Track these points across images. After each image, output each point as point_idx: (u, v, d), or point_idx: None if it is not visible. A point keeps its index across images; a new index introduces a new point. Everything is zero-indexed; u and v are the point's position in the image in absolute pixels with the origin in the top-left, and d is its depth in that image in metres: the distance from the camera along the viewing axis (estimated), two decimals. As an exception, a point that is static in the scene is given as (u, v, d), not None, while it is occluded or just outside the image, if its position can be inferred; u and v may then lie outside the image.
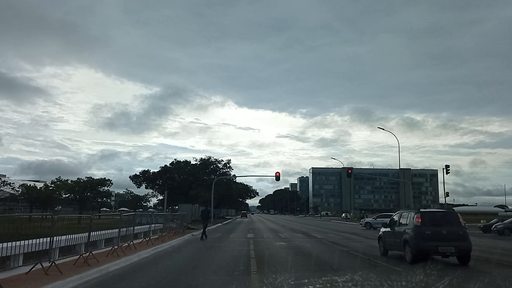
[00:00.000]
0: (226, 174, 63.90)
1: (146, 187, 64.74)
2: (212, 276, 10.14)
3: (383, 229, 15.67)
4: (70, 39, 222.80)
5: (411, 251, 12.49)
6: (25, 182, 53.44)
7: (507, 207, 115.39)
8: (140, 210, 72.51)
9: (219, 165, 63.71)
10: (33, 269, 9.13)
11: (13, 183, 50.26)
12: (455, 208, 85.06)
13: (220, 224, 47.51)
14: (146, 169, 64.26)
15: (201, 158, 63.58)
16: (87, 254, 11.40)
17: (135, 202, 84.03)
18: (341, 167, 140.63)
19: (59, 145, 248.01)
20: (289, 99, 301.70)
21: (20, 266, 9.57)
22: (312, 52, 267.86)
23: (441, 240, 12.25)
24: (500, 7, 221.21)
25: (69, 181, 48.47)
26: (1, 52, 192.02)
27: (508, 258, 14.68)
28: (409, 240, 12.67)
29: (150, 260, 13.43)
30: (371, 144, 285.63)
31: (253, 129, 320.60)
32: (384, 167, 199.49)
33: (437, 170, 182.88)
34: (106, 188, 52.74)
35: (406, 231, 13.04)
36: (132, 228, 16.95)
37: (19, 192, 47.37)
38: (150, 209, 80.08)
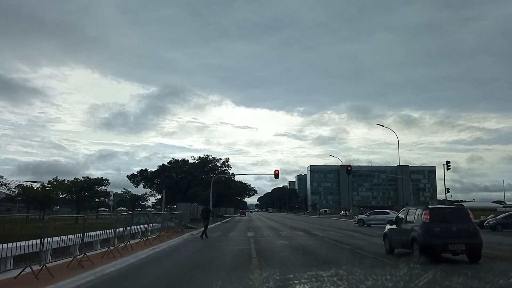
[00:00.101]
0: (224, 172, 63.44)
1: (144, 187, 64.23)
2: (213, 278, 9.63)
3: (388, 227, 15.21)
4: (67, 40, 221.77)
5: (419, 249, 12.00)
6: (22, 183, 52.77)
7: (505, 202, 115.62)
8: (138, 209, 71.94)
9: (217, 163, 63.23)
10: (23, 272, 8.60)
11: (9, 184, 49.62)
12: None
13: (219, 222, 47.14)
14: (143, 168, 63.79)
15: (199, 157, 63.04)
16: (82, 255, 10.88)
17: (133, 201, 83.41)
18: (339, 164, 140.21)
19: (57, 146, 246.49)
20: (287, 98, 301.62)
21: (10, 270, 9.04)
22: (309, 51, 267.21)
23: (450, 237, 11.78)
24: (496, 4, 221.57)
25: (66, 181, 47.92)
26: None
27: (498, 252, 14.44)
28: (417, 238, 12.19)
29: (147, 261, 12.94)
30: (369, 141, 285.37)
31: (251, 127, 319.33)
32: (382, 164, 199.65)
33: (434, 166, 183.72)
34: (103, 188, 52.19)
35: (414, 228, 12.56)
36: (129, 228, 16.42)
37: (15, 193, 46.75)
38: (148, 209, 79.49)
